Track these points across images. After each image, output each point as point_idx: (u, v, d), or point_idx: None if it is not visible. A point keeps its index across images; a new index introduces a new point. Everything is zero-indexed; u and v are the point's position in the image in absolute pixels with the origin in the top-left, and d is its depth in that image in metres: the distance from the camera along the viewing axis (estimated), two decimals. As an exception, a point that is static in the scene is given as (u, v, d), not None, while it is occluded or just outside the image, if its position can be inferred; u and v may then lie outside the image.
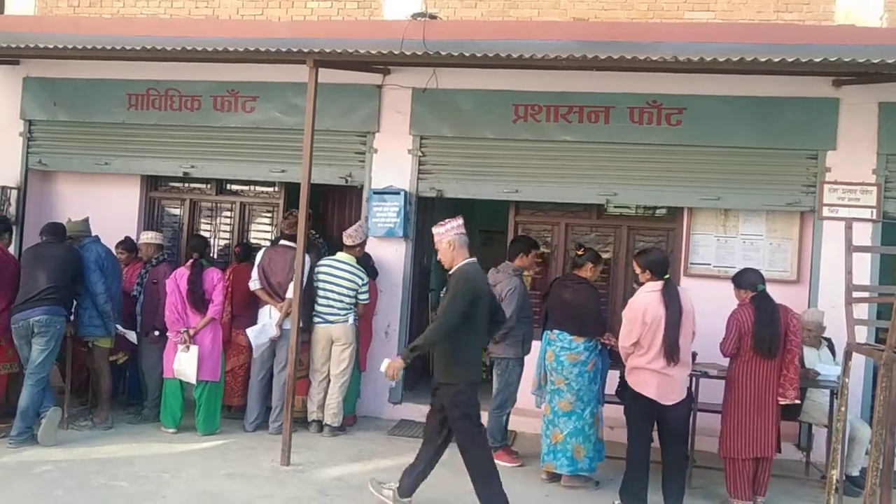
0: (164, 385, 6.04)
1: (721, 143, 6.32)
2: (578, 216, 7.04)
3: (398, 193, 6.74)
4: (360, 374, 6.54)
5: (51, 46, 6.08)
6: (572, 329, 5.20)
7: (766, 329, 4.78)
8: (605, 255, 6.52)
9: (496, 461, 5.54)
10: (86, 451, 5.40)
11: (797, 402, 4.95)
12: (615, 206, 6.88)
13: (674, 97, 6.35)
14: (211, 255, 7.23)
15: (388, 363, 4.43)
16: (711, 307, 5.40)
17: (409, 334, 7.06)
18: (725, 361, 5.13)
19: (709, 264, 6.55)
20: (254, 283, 6.17)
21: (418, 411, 6.86)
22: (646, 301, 4.60)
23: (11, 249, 6.22)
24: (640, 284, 4.80)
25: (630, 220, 6.95)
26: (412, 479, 4.54)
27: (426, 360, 8.35)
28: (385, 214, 6.78)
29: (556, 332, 5.27)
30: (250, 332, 6.08)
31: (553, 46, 5.75)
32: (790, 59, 5.02)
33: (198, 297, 5.92)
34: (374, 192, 6.81)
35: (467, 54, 5.41)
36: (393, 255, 6.89)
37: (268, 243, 7.03)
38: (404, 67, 6.57)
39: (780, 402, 4.86)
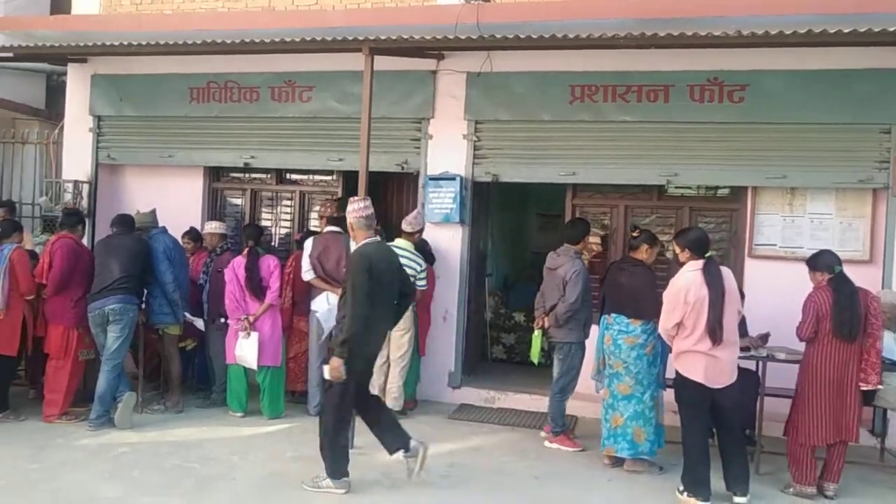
0: (229, 371, 6.22)
1: (787, 120, 6.09)
2: (638, 198, 6.91)
3: (454, 179, 6.74)
4: (419, 359, 6.60)
5: (116, 44, 6.27)
6: (629, 312, 5.14)
7: (845, 312, 4.62)
8: (666, 238, 6.38)
9: (558, 446, 5.57)
10: (159, 433, 5.61)
11: (879, 386, 4.78)
12: (676, 187, 6.73)
13: (736, 73, 6.15)
14: (271, 242, 7.38)
15: (326, 368, 4.47)
16: (778, 289, 5.28)
17: (466, 319, 7.09)
18: (794, 345, 4.99)
19: (774, 245, 6.34)
20: (307, 274, 6.16)
21: (477, 395, 6.92)
22: (687, 281, 4.50)
23: (84, 241, 6.49)
24: (682, 264, 4.69)
25: (692, 201, 6.78)
26: (390, 440, 4.69)
27: (484, 346, 8.39)
28: (441, 200, 6.79)
29: (613, 315, 5.21)
30: (320, 314, 6.15)
31: (610, 25, 5.65)
32: (861, 30, 4.80)
33: (255, 285, 6.05)
34: (430, 178, 6.83)
35: (522, 36, 5.36)
36: (449, 241, 6.90)
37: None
38: (458, 52, 6.54)
39: (862, 388, 4.70)
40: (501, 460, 5.34)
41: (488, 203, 8.03)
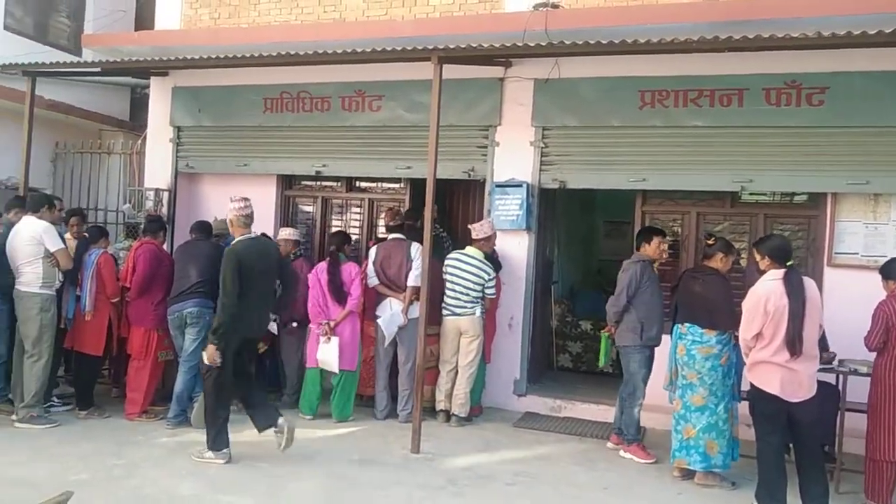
0: (306, 374, 6.37)
1: (869, 123, 5.84)
2: (710, 205, 6.74)
3: (520, 186, 6.73)
4: (485, 366, 6.61)
5: (195, 57, 6.52)
6: (703, 322, 5.02)
7: (917, 321, 4.42)
8: (739, 245, 6.21)
9: (632, 456, 5.46)
10: (232, 434, 5.71)
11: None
12: (750, 194, 6.53)
13: (815, 76, 5.94)
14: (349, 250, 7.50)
15: (204, 355, 4.96)
16: (859, 300, 5.05)
17: (532, 327, 7.05)
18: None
19: (856, 254, 6.08)
20: (371, 280, 6.34)
21: (543, 404, 6.87)
22: (767, 290, 4.36)
23: (165, 246, 6.77)
24: (762, 273, 4.55)
25: (767, 208, 6.58)
26: (262, 419, 5.16)
27: (549, 354, 8.33)
28: (507, 207, 6.79)
29: (686, 325, 5.10)
30: (381, 321, 6.27)
31: (682, 29, 5.55)
32: (952, 27, 4.57)
33: (337, 290, 6.18)
34: (497, 185, 6.83)
35: (592, 42, 5.31)
36: (516, 248, 6.89)
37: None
38: (526, 59, 6.54)
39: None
40: (569, 470, 5.28)
41: (555, 210, 7.98)
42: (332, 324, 6.16)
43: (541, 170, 6.80)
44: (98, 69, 7.40)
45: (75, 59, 8.77)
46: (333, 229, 7.77)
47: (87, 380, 6.22)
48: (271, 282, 5.43)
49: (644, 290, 5.49)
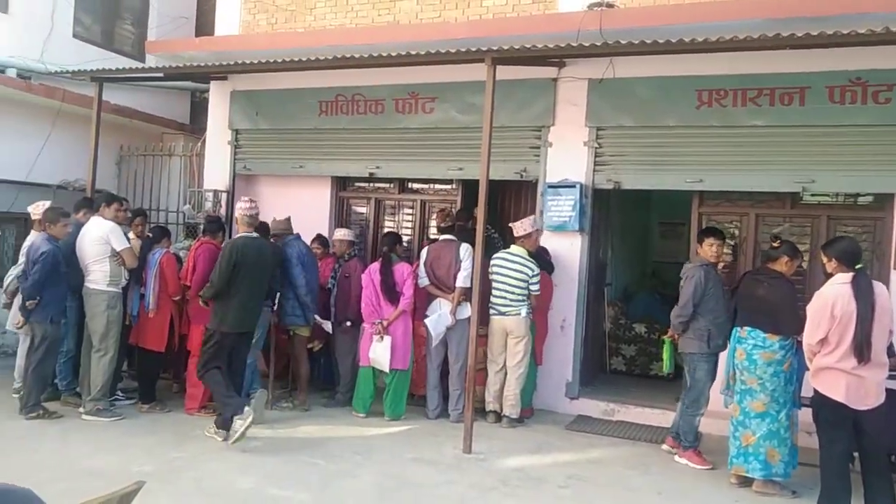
0: (359, 373, 6.46)
1: (941, 121, 5.62)
2: (770, 206, 6.58)
3: (573, 186, 6.68)
4: (536, 368, 6.58)
5: (254, 62, 6.67)
6: (766, 326, 4.88)
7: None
8: (801, 248, 6.03)
9: (687, 461, 5.37)
10: (288, 430, 5.91)
11: None
12: (812, 195, 6.35)
13: (882, 73, 5.73)
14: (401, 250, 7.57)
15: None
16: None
17: (585, 329, 7.00)
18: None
19: (926, 256, 5.86)
20: (422, 281, 6.40)
21: (595, 407, 6.80)
22: (834, 293, 4.23)
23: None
24: (828, 276, 4.41)
25: (830, 210, 6.38)
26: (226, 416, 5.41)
27: (602, 357, 8.25)
28: (560, 208, 6.75)
29: (747, 329, 4.97)
30: (428, 321, 6.32)
31: (740, 27, 5.43)
32: None
33: (390, 290, 6.26)
34: (549, 186, 6.80)
35: (648, 41, 5.24)
36: (568, 249, 6.85)
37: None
38: (580, 59, 6.50)
39: None
40: (622, 474, 5.23)
41: (608, 211, 7.90)
42: (384, 323, 6.23)
43: (595, 170, 6.74)
44: (161, 74, 7.65)
45: (139, 64, 9.09)
46: (386, 230, 7.87)
47: (150, 375, 6.43)
48: (263, 281, 5.74)
49: (710, 296, 5.35)
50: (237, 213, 5.78)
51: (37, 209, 6.27)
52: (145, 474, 4.59)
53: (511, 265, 6.20)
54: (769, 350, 4.87)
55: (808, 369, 4.84)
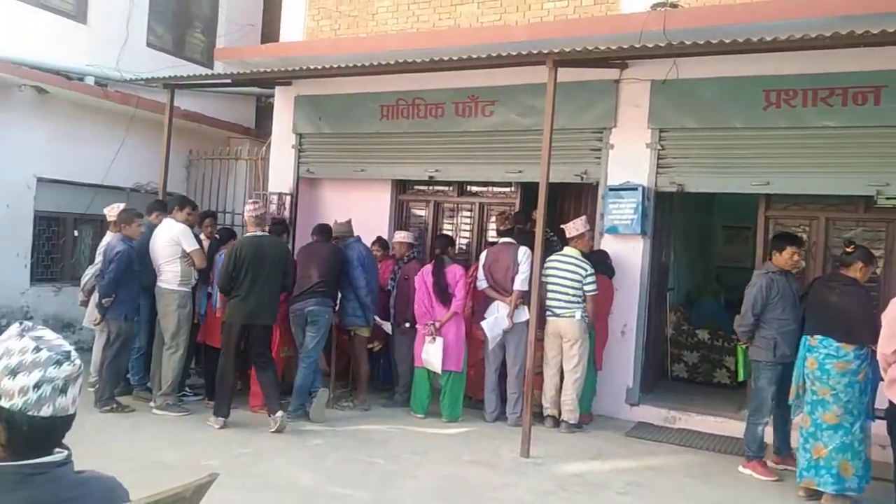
0: (415, 373, 6.52)
1: None
2: (841, 209, 6.35)
3: (635, 189, 6.59)
4: (596, 373, 6.51)
5: (318, 67, 6.81)
6: (839, 335, 4.70)
7: None
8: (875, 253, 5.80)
9: (751, 472, 5.22)
10: (348, 429, 6.00)
11: None
12: (887, 198, 6.08)
13: (965, 70, 5.48)
14: (454, 253, 7.62)
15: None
16: None
17: (646, 334, 6.89)
18: None
19: None
20: (481, 283, 6.42)
21: (657, 414, 6.68)
22: None
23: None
24: None
25: (906, 214, 6.13)
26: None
27: (664, 363, 8.10)
28: (621, 211, 6.66)
29: (817, 337, 4.80)
30: (484, 324, 6.33)
31: (812, 25, 5.27)
32: None
33: (442, 291, 6.31)
34: (611, 189, 6.72)
35: (714, 41, 5.14)
36: (630, 253, 6.75)
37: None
38: (642, 60, 6.41)
39: None
40: (683, 482, 5.12)
41: (671, 214, 7.76)
42: (437, 324, 6.28)
43: (657, 173, 6.63)
44: (229, 80, 7.88)
45: (208, 71, 9.39)
46: (443, 233, 7.92)
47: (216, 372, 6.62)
48: (270, 276, 5.85)
49: (775, 305, 5.16)
50: (245, 215, 6.13)
51: (112, 211, 6.55)
52: (212, 468, 4.72)
53: (564, 266, 6.16)
54: (843, 360, 4.68)
55: (882, 379, 4.66)
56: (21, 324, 1.50)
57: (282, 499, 4.43)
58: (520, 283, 6.17)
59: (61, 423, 1.46)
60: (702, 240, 10.37)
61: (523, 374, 6.13)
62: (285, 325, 6.39)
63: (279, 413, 5.72)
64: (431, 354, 6.29)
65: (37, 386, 1.41)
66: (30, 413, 1.40)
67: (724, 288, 9.83)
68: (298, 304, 6.19)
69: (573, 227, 6.26)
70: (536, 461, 5.37)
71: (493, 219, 7.61)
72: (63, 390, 1.44)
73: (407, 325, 6.67)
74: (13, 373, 1.40)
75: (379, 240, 7.40)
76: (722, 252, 10.71)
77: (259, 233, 6.00)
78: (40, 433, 1.43)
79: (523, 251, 6.21)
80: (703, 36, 5.42)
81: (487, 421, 6.41)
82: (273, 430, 5.65)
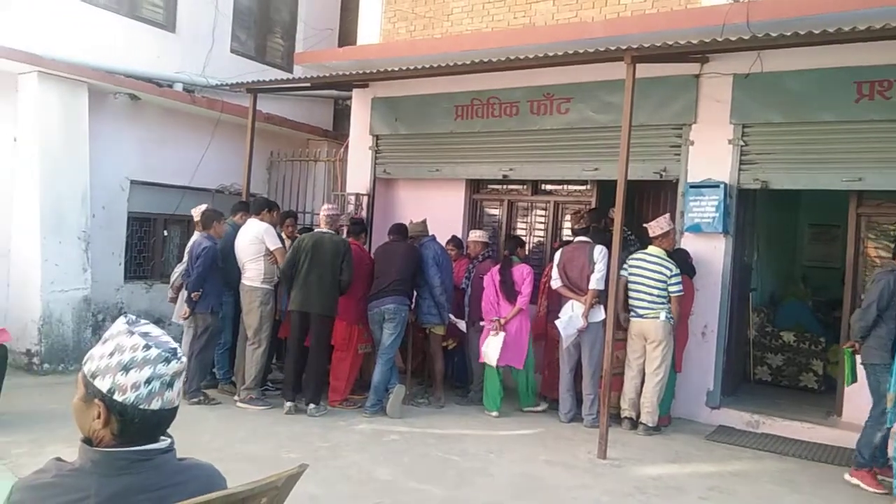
0: (485, 371, 6.56)
1: None
2: (940, 206, 6.01)
3: (717, 186, 6.41)
4: (675, 375, 6.37)
5: (394, 69, 6.91)
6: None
7: None
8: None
9: (858, 482, 4.98)
10: (424, 425, 6.07)
11: None
12: None
13: None
14: (525, 253, 7.57)
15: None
16: None
17: (728, 335, 6.69)
18: None
19: None
20: (555, 282, 6.40)
21: (738, 418, 6.50)
22: None
23: (364, 247, 7.23)
24: None
25: None
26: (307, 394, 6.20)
27: (746, 366, 7.84)
28: (702, 209, 6.50)
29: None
30: (559, 323, 6.30)
31: (908, 12, 5.00)
32: None
33: (508, 289, 6.40)
34: (691, 186, 6.56)
35: (802, 32, 4.95)
36: (711, 252, 6.57)
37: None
38: (724, 54, 6.22)
39: None
40: (769, 489, 4.96)
41: (754, 212, 7.51)
42: (501, 320, 6.36)
43: (740, 169, 6.43)
44: (309, 84, 8.09)
45: (288, 75, 9.66)
46: (516, 231, 7.93)
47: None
48: (326, 269, 6.11)
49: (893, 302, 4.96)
50: (320, 213, 6.58)
51: (197, 212, 6.85)
52: (293, 461, 4.88)
53: (648, 266, 6.06)
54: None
55: None
56: (126, 316, 1.60)
57: (360, 492, 4.53)
58: (595, 282, 6.10)
59: (168, 415, 1.56)
60: (787, 239, 9.99)
61: (599, 374, 6.07)
62: (364, 323, 6.52)
63: (290, 404, 6.17)
64: (490, 348, 6.39)
65: (147, 382, 1.51)
66: (141, 406, 1.50)
67: (810, 289, 9.46)
68: (376, 302, 6.31)
69: (657, 226, 6.15)
70: (613, 463, 5.31)
71: (570, 217, 7.55)
72: (170, 385, 1.55)
73: (482, 323, 6.70)
74: (126, 369, 1.50)
75: (453, 239, 7.45)
76: (808, 251, 10.29)
77: (325, 230, 6.29)
78: (150, 424, 1.53)
79: (599, 250, 6.14)
80: (789, 27, 5.24)
81: (562, 421, 6.37)
82: (284, 412, 6.13)
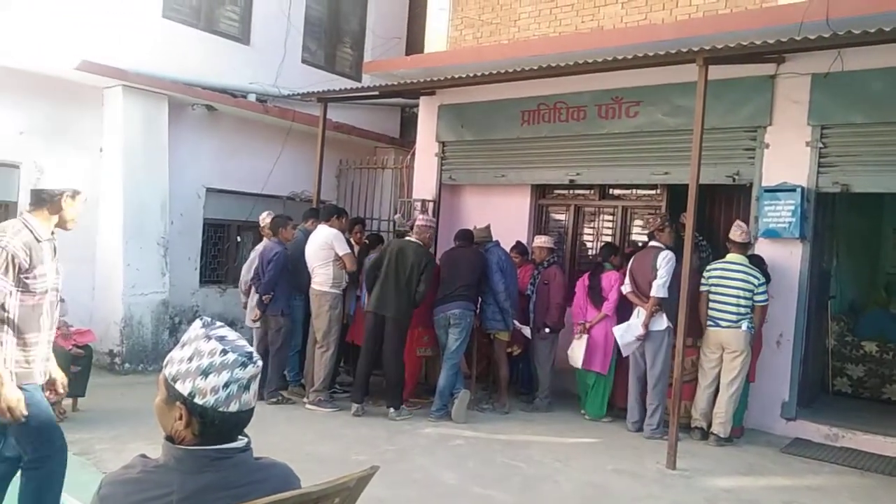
0: (577, 375, 6.71)
1: None
2: None
3: (794, 190, 6.20)
4: (749, 385, 6.18)
5: (462, 76, 6.95)
6: None
7: None
8: None
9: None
10: (489, 431, 6.07)
11: None
12: None
13: None
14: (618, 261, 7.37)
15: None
16: None
17: (804, 345, 6.45)
18: None
19: None
20: (625, 287, 6.32)
21: (816, 430, 6.26)
22: None
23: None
24: None
25: None
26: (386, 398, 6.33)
27: (824, 377, 7.54)
28: (778, 213, 6.29)
29: None
30: (616, 330, 6.22)
31: None
32: None
33: (595, 295, 6.49)
34: (766, 190, 6.36)
35: (887, 29, 4.74)
36: (787, 258, 6.36)
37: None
38: (802, 53, 6.01)
39: None
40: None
41: (833, 216, 7.22)
42: (587, 324, 6.44)
43: (818, 172, 6.20)
44: (377, 93, 8.22)
45: (357, 84, 9.84)
46: (583, 237, 7.85)
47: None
48: (404, 275, 6.19)
49: None
50: (415, 222, 6.65)
51: (264, 218, 7.07)
52: (360, 463, 4.95)
53: (734, 274, 5.90)
54: None
55: None
56: (202, 319, 1.67)
57: (426, 496, 4.56)
58: (655, 289, 5.95)
59: (245, 416, 1.63)
60: (869, 244, 9.54)
61: (664, 384, 5.95)
62: (424, 326, 6.60)
63: (357, 406, 6.31)
64: (575, 351, 6.49)
65: (226, 385, 1.57)
66: (220, 409, 1.57)
67: (894, 297, 9.01)
68: (442, 307, 6.36)
69: (743, 234, 6.01)
70: (683, 473, 5.19)
71: (644, 221, 7.40)
72: (247, 388, 1.61)
73: (547, 330, 6.67)
74: (205, 373, 1.57)
75: (518, 245, 7.41)
76: (892, 258, 9.81)
77: (413, 239, 6.39)
78: (228, 425, 1.60)
79: (663, 255, 6.00)
80: (872, 24, 5.01)
81: (630, 430, 6.26)
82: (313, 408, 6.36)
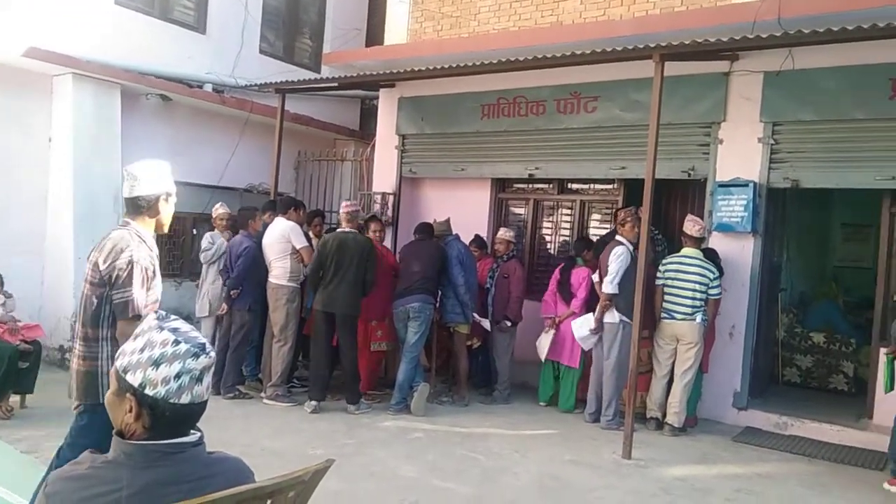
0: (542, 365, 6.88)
1: None
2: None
3: (746, 185, 6.34)
4: (702, 376, 6.32)
5: (421, 68, 6.93)
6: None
7: None
8: None
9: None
10: (449, 424, 6.09)
11: None
12: None
13: None
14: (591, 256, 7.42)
15: None
16: None
17: (756, 336, 6.61)
18: None
19: None
20: (595, 277, 6.44)
21: (766, 419, 6.43)
22: None
23: (388, 244, 7.28)
24: None
25: None
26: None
27: (774, 367, 7.74)
28: (731, 208, 6.43)
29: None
30: (573, 323, 6.37)
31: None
32: None
33: (565, 290, 6.62)
34: (720, 185, 6.50)
35: (835, 29, 4.87)
36: (739, 252, 6.50)
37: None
38: (754, 52, 6.15)
39: None
40: (797, 492, 4.90)
41: (784, 211, 7.41)
42: (556, 319, 6.60)
43: (770, 168, 6.36)
44: (336, 84, 8.14)
45: (316, 75, 9.73)
46: (544, 231, 7.93)
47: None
48: (350, 269, 6.09)
49: None
50: (340, 211, 6.51)
51: (217, 210, 7.00)
52: (318, 457, 4.93)
53: (690, 268, 6.01)
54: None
55: None
56: (157, 313, 1.64)
57: (385, 489, 4.56)
58: (605, 285, 6.07)
59: (197, 409, 1.60)
60: (818, 239, 9.83)
61: (619, 376, 6.04)
62: (379, 321, 6.61)
63: (314, 402, 6.20)
64: (542, 342, 6.67)
65: (177, 376, 1.54)
66: (171, 401, 1.54)
67: (841, 289, 9.30)
68: (401, 301, 6.34)
69: (697, 228, 6.11)
70: (639, 463, 5.28)
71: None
72: (199, 379, 1.58)
73: (507, 323, 6.71)
74: (156, 364, 1.54)
75: (476, 238, 7.44)
76: (840, 251, 10.12)
77: (348, 229, 6.29)
78: (180, 418, 1.57)
79: (615, 251, 6.08)
80: (822, 23, 5.16)
81: (587, 422, 6.35)
82: (309, 411, 6.15)
